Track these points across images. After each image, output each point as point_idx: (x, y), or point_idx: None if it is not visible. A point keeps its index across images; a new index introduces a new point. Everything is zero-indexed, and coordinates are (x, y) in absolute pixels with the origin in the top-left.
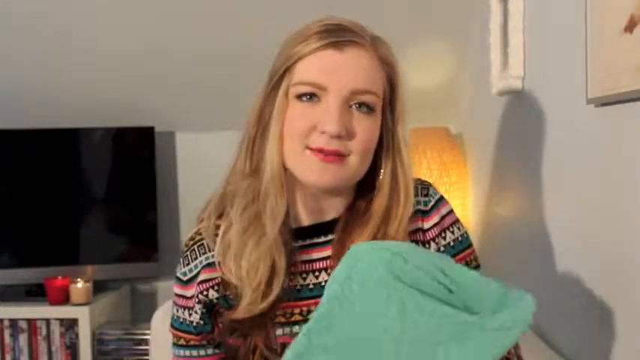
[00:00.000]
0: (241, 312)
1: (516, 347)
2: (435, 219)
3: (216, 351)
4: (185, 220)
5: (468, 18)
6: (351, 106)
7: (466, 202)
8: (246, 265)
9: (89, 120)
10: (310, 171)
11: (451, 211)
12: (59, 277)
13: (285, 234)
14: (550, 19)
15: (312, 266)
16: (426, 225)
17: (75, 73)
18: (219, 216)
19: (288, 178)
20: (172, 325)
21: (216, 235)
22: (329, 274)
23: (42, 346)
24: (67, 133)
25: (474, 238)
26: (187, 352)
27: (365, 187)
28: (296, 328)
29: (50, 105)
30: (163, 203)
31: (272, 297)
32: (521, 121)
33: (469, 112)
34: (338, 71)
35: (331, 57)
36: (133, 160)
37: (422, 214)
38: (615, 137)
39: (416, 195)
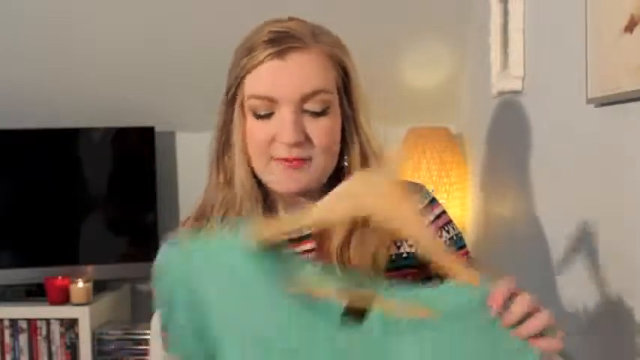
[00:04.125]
0: None
1: None
2: (429, 217)
3: None
4: None
5: (467, 18)
6: (306, 111)
7: (466, 202)
8: None
9: (89, 120)
10: (277, 179)
11: (445, 212)
12: (59, 277)
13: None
14: (550, 19)
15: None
16: None
17: (75, 73)
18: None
19: (264, 186)
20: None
21: None
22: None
23: (42, 346)
24: (67, 133)
25: (474, 238)
26: None
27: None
28: None
29: (50, 105)
30: (163, 203)
31: None
32: (521, 121)
33: (469, 112)
34: (284, 80)
35: (275, 67)
36: (133, 160)
37: None
38: (615, 137)
39: None
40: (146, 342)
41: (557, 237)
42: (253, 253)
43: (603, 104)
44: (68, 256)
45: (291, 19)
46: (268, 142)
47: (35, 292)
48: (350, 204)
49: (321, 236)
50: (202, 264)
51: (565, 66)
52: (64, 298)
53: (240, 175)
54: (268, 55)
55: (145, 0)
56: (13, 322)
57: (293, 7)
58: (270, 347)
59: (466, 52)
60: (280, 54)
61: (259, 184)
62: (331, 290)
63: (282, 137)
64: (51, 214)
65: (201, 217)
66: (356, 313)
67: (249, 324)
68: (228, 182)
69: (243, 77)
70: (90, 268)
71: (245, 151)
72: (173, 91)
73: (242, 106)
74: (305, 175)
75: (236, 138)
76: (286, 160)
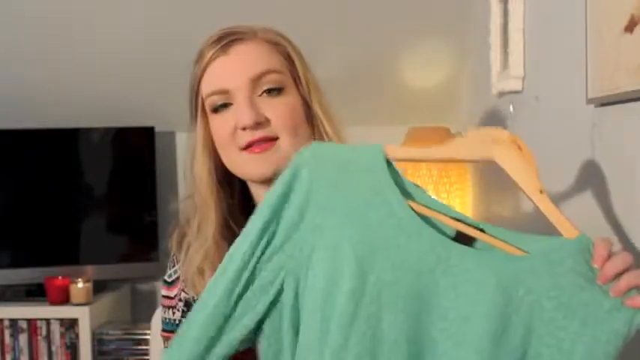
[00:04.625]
0: None
1: None
2: None
3: None
4: None
5: (467, 18)
6: (261, 95)
7: (466, 202)
8: (198, 276)
9: (89, 120)
10: (249, 167)
11: None
12: (59, 277)
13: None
14: (550, 19)
15: None
16: None
17: (75, 73)
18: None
19: (240, 181)
20: (162, 329)
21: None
22: None
23: (42, 346)
24: (67, 133)
25: None
26: None
27: None
28: None
29: (50, 105)
30: (163, 203)
31: None
32: (522, 121)
33: (469, 112)
34: (230, 69)
35: (221, 62)
36: (133, 160)
37: None
38: (615, 137)
39: None
40: (146, 342)
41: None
42: (386, 162)
43: (603, 104)
44: (68, 256)
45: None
46: (231, 133)
47: (35, 292)
48: (474, 147)
49: None
50: (334, 169)
51: (565, 66)
52: (64, 298)
53: (199, 177)
54: (213, 54)
55: (144, 0)
56: (13, 322)
57: (293, 7)
58: (377, 252)
59: (466, 52)
60: (223, 49)
61: (230, 183)
62: (446, 216)
63: (241, 121)
64: (51, 214)
65: (182, 234)
66: (463, 241)
67: (365, 227)
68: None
69: (198, 83)
70: (90, 268)
71: (205, 153)
72: (173, 91)
73: (203, 110)
74: (274, 155)
75: (199, 142)
76: (251, 143)
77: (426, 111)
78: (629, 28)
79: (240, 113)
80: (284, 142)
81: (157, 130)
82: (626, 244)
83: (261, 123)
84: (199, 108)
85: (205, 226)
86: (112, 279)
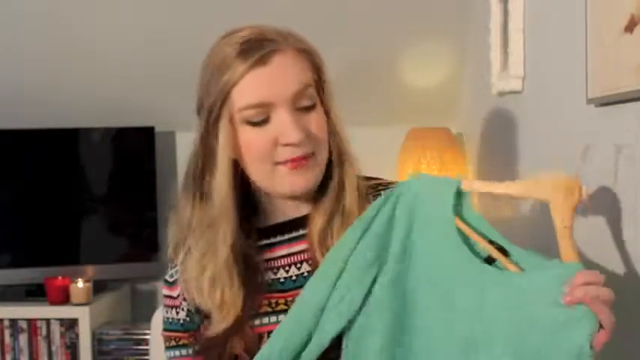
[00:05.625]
0: (212, 330)
1: None
2: None
3: None
4: None
5: (467, 18)
6: (298, 109)
7: None
8: (207, 288)
9: (89, 120)
10: (283, 183)
11: None
12: (59, 277)
13: (250, 248)
14: (550, 19)
15: (293, 259)
16: None
17: (75, 73)
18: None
19: (255, 192)
20: (163, 328)
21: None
22: (311, 265)
23: (42, 346)
24: (67, 133)
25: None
26: (178, 352)
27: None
28: (281, 317)
29: (50, 105)
30: (163, 203)
31: (236, 312)
32: (521, 121)
33: (469, 112)
34: (272, 82)
35: (263, 72)
36: (133, 160)
37: None
38: (615, 137)
39: None
40: (146, 342)
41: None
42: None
43: (603, 104)
44: (68, 256)
45: (248, 27)
46: (270, 147)
47: (35, 292)
48: (537, 189)
49: (308, 236)
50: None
51: (565, 66)
52: (64, 298)
53: (219, 191)
54: (252, 64)
55: (144, 0)
56: (13, 322)
57: (293, 7)
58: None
59: (466, 52)
60: (263, 60)
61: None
62: (482, 239)
63: (287, 138)
64: (51, 214)
65: (178, 245)
66: (489, 262)
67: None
68: (207, 200)
69: (228, 92)
70: (90, 268)
71: (230, 166)
72: (173, 91)
73: (231, 121)
74: (311, 171)
75: (222, 154)
76: (293, 160)
77: (426, 111)
78: (629, 28)
79: (288, 130)
80: (320, 157)
81: (157, 130)
82: (627, 244)
83: (304, 139)
84: (224, 117)
85: (218, 242)
86: (112, 279)
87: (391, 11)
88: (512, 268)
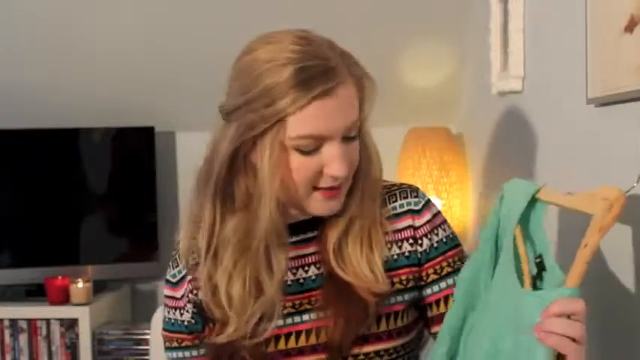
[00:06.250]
0: (225, 337)
1: None
2: (427, 216)
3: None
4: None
5: (467, 18)
6: (344, 139)
7: (466, 202)
8: (237, 297)
9: (89, 120)
10: (315, 206)
11: (440, 212)
12: (59, 277)
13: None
14: (550, 19)
15: (301, 262)
16: (418, 222)
17: (75, 73)
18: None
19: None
20: (164, 329)
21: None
22: (319, 269)
23: (42, 346)
24: (67, 133)
25: (474, 239)
26: (181, 354)
27: None
28: (288, 320)
29: (50, 105)
30: (163, 203)
31: (255, 319)
32: (521, 121)
33: (469, 112)
34: (334, 117)
35: (325, 107)
36: (133, 160)
37: (413, 212)
38: (615, 137)
39: (406, 197)
40: (146, 342)
41: (557, 237)
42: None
43: (603, 104)
44: (68, 256)
45: (292, 34)
46: (316, 175)
47: (35, 292)
48: (589, 202)
49: (322, 240)
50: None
51: (565, 66)
52: (64, 298)
53: (270, 206)
54: (313, 96)
55: (145, 0)
56: (13, 322)
57: (293, 8)
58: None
59: (466, 52)
60: (330, 92)
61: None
62: (526, 254)
63: (333, 171)
64: (51, 214)
65: (191, 248)
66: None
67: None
68: (245, 207)
69: (282, 119)
70: (90, 268)
71: (277, 184)
72: (173, 91)
73: (282, 145)
74: (342, 197)
75: (270, 178)
76: (331, 189)
77: (426, 111)
78: (629, 28)
79: (336, 165)
80: (349, 181)
81: (157, 130)
82: (627, 244)
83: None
84: (272, 137)
85: (266, 272)
86: (112, 279)
87: (391, 11)
88: (526, 286)
